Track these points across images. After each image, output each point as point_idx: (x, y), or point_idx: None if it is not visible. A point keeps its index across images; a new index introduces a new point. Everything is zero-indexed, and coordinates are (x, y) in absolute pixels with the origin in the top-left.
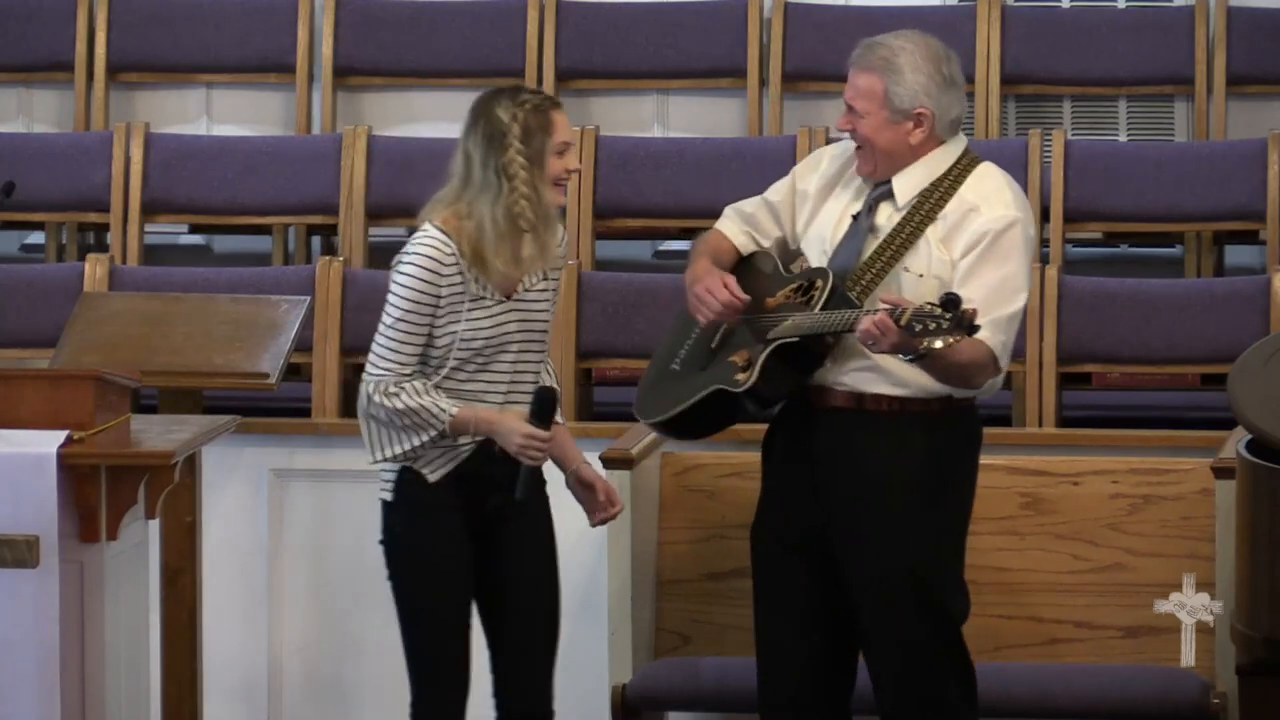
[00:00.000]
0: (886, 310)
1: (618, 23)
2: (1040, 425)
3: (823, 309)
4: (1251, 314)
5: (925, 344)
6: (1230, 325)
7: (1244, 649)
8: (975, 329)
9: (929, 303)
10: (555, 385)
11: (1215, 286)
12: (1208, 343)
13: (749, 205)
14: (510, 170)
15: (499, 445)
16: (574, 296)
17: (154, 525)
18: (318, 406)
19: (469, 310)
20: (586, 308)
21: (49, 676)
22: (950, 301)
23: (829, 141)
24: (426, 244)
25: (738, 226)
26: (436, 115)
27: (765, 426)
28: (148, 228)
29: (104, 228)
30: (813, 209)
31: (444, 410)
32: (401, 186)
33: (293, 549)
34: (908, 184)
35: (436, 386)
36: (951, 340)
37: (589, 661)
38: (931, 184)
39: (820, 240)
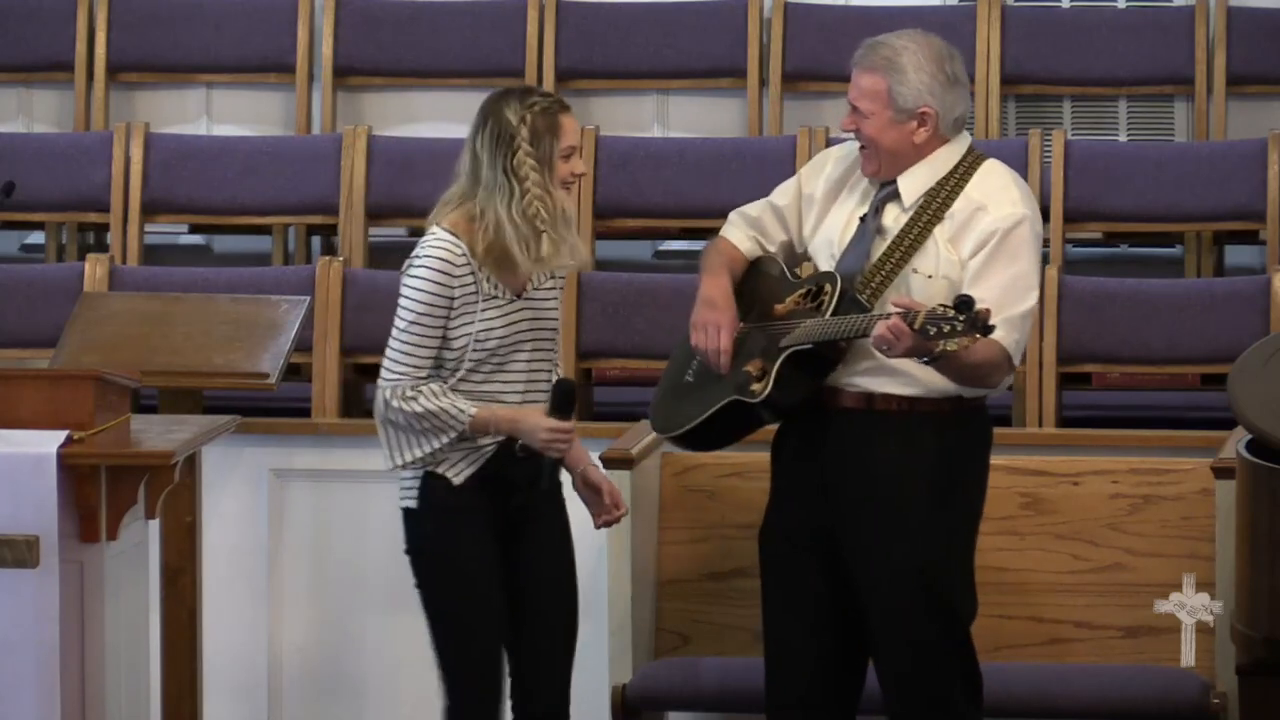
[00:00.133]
0: (899, 314)
1: (618, 23)
2: (1040, 425)
3: (833, 314)
4: (1251, 314)
5: (940, 347)
6: (1230, 325)
7: (1244, 649)
8: (990, 329)
9: (942, 305)
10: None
11: (1215, 286)
12: (1208, 343)
13: (754, 209)
14: (521, 171)
15: (519, 444)
16: (574, 296)
17: (154, 525)
18: (318, 406)
19: (482, 310)
20: (586, 308)
21: (49, 676)
22: (964, 304)
23: (829, 142)
24: (437, 246)
25: (744, 233)
26: (436, 115)
27: (771, 426)
28: (148, 228)
29: (104, 228)
30: (820, 213)
31: (463, 411)
32: (401, 186)
33: (293, 549)
34: (913, 184)
35: (453, 389)
36: (966, 342)
37: (589, 661)
38: (937, 183)
39: (829, 244)
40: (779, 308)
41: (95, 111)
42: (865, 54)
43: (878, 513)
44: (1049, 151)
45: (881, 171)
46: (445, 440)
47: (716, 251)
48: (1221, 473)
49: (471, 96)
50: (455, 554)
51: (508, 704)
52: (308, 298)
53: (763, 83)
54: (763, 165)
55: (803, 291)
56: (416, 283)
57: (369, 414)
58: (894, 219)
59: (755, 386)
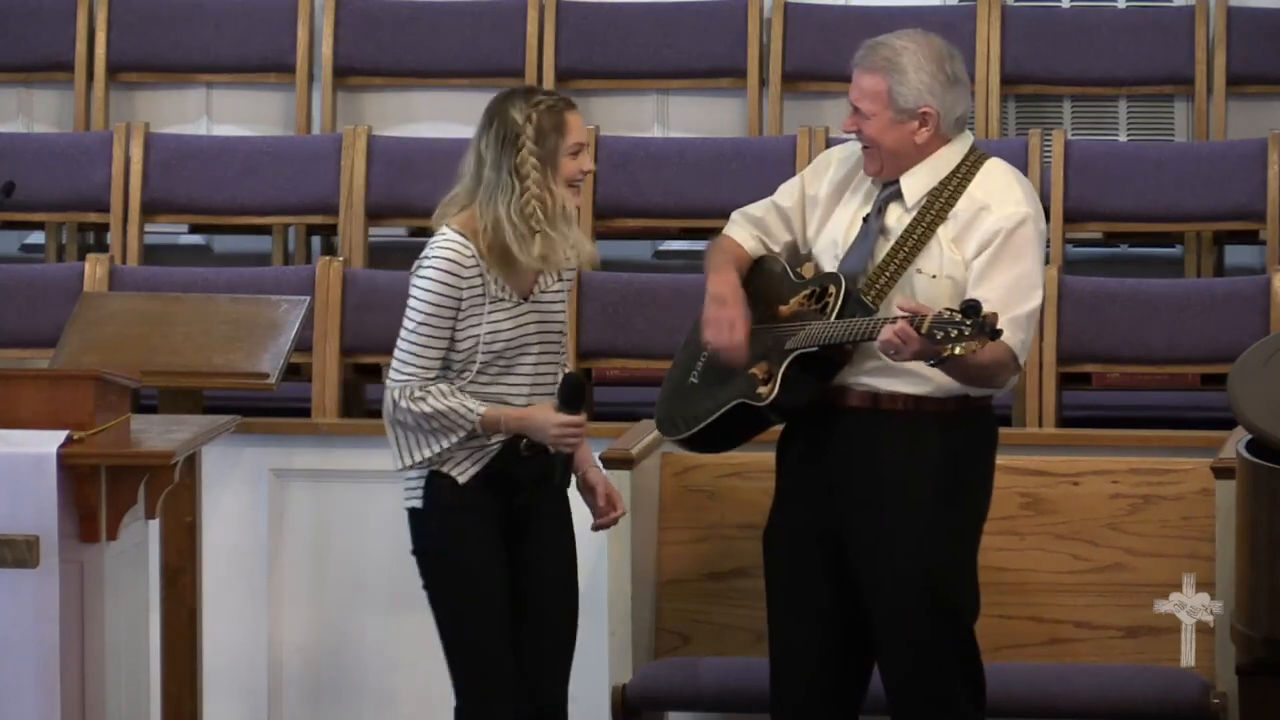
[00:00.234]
0: (906, 319)
1: (618, 23)
2: (1040, 425)
3: (838, 316)
4: (1251, 314)
5: (947, 351)
6: (1230, 325)
7: (1244, 649)
8: (998, 334)
9: (948, 309)
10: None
11: (1215, 286)
12: (1208, 343)
13: (758, 210)
14: (523, 170)
15: (525, 442)
16: (574, 296)
17: (154, 525)
18: (318, 406)
19: (490, 312)
20: (586, 308)
21: (49, 676)
22: (971, 308)
23: (829, 142)
24: (446, 247)
25: (748, 232)
26: (436, 115)
27: (775, 426)
28: (148, 228)
29: (104, 228)
30: (823, 214)
31: (472, 410)
32: (401, 186)
33: (293, 549)
34: (916, 184)
35: (461, 390)
36: (974, 346)
37: (589, 661)
38: (940, 183)
39: (833, 245)
40: (783, 309)
41: (95, 111)
42: (865, 55)
43: (883, 513)
44: (1049, 151)
45: (884, 171)
46: (454, 439)
47: (721, 249)
48: (1221, 473)
49: (471, 96)
50: (461, 554)
51: None
52: (308, 298)
53: (763, 83)
54: (763, 165)
55: (807, 293)
56: (425, 283)
57: (369, 414)
58: (897, 219)
59: (762, 390)
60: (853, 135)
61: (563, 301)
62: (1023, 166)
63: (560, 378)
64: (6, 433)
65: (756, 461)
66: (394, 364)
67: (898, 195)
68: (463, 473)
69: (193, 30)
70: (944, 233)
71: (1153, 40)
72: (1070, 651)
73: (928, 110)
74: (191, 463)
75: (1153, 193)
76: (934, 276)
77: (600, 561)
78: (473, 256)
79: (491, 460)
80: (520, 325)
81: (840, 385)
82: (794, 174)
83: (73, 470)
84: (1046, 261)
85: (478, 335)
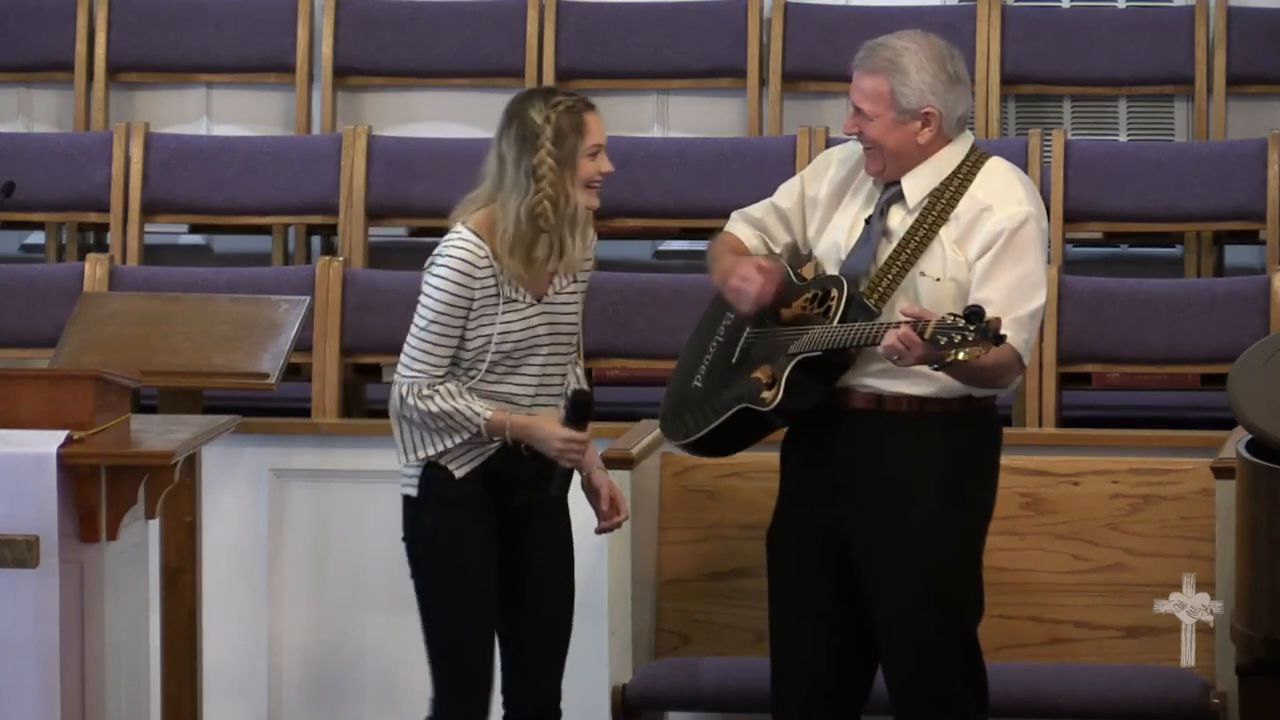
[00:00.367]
0: (909, 324)
1: (618, 23)
2: (1040, 425)
3: (841, 320)
4: (1251, 314)
5: (951, 356)
6: (1230, 325)
7: (1244, 649)
8: (1001, 339)
9: (952, 314)
10: (584, 387)
11: (1215, 286)
12: (1208, 343)
13: (757, 211)
14: (539, 171)
15: (525, 445)
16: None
17: (154, 525)
18: (318, 406)
19: (502, 313)
20: (587, 308)
21: (49, 676)
22: (975, 313)
23: (829, 142)
24: (460, 246)
25: (750, 230)
26: (436, 115)
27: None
28: (148, 228)
29: (104, 228)
30: (824, 216)
31: (478, 414)
32: (401, 186)
33: (293, 549)
34: (917, 185)
35: (468, 388)
36: (979, 352)
37: (589, 661)
38: (941, 184)
39: (835, 248)
40: (785, 312)
41: (95, 111)
42: (866, 56)
43: (887, 513)
44: (1049, 151)
45: (886, 172)
46: (459, 440)
47: (723, 244)
48: (1221, 473)
49: (471, 96)
50: (450, 545)
51: (496, 699)
52: (308, 298)
53: (763, 83)
54: (763, 165)
55: (809, 296)
56: (437, 281)
57: (369, 414)
58: (899, 221)
59: (766, 395)
60: (854, 136)
61: (575, 303)
62: (1023, 166)
63: (570, 391)
64: (6, 433)
65: (756, 461)
66: (403, 359)
67: (899, 197)
68: (460, 467)
69: (193, 30)
70: (946, 234)
71: (1153, 40)
72: (1070, 651)
73: (930, 110)
74: (191, 463)
75: (1153, 193)
76: (938, 279)
77: (600, 561)
78: (486, 257)
79: (491, 457)
80: (530, 327)
81: (844, 387)
82: (794, 174)
83: (73, 470)
84: (1047, 261)
85: (489, 335)
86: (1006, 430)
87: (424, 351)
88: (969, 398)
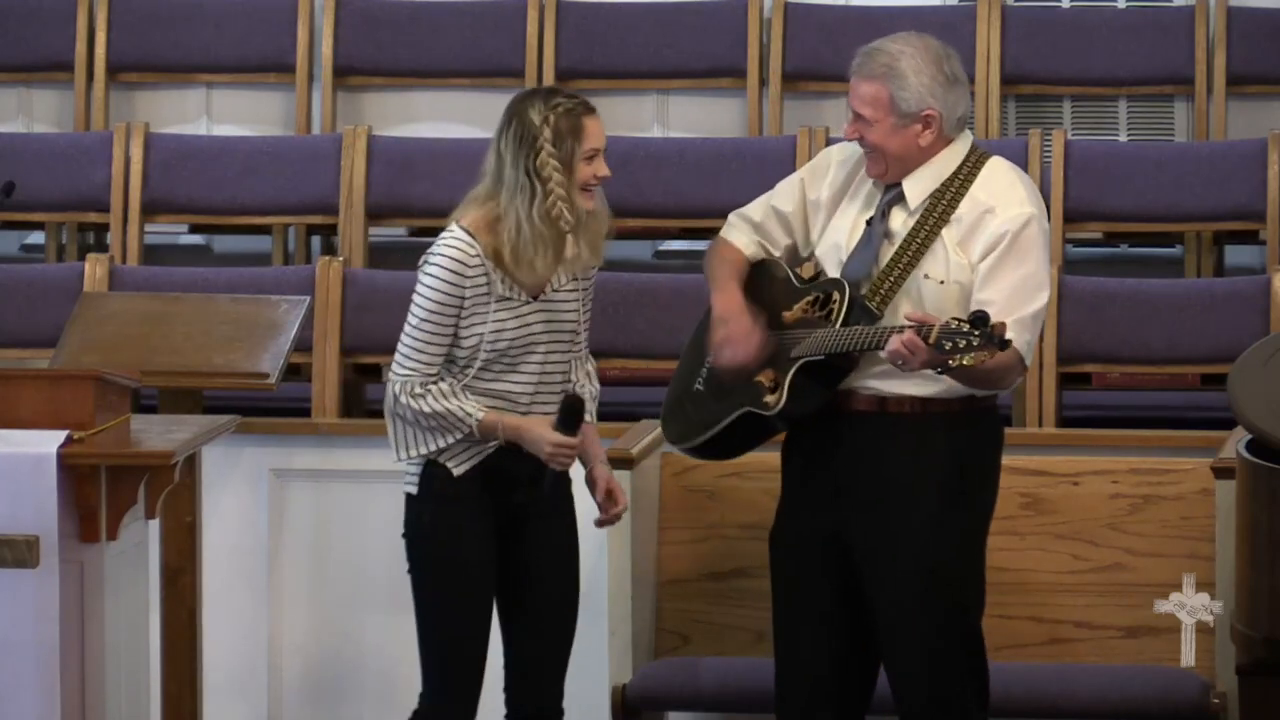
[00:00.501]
0: (914, 328)
1: (618, 23)
2: (1040, 425)
3: (843, 324)
4: (1251, 314)
5: (956, 361)
6: (1230, 325)
7: (1244, 649)
8: (1006, 344)
9: (956, 319)
10: (596, 386)
11: (1215, 286)
12: (1208, 343)
13: (756, 213)
14: (545, 173)
15: (527, 449)
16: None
17: (154, 525)
18: (318, 406)
19: (495, 311)
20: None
21: (49, 676)
22: (979, 318)
23: (829, 141)
24: (451, 245)
25: (747, 236)
26: (436, 115)
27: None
28: (148, 228)
29: (104, 228)
30: (825, 218)
31: (470, 415)
32: (401, 186)
33: (293, 549)
34: (918, 186)
35: (464, 387)
36: (984, 357)
37: (589, 661)
38: (942, 185)
39: (836, 249)
40: (787, 315)
41: (95, 111)
42: (863, 62)
43: (889, 515)
44: (1049, 151)
45: (888, 174)
46: (451, 439)
47: (720, 259)
48: (1221, 473)
49: (471, 96)
50: (449, 542)
51: (486, 699)
52: (308, 298)
53: (763, 83)
54: (763, 165)
55: (810, 299)
56: (429, 280)
57: (369, 414)
58: (900, 223)
59: (769, 399)
60: (854, 141)
61: (575, 300)
62: (1023, 166)
63: (565, 393)
64: (6, 433)
65: (756, 461)
66: (397, 358)
67: (900, 198)
68: (459, 465)
69: (193, 30)
70: (949, 236)
71: (1153, 40)
72: (1070, 651)
73: (930, 113)
74: (191, 463)
75: (1153, 193)
76: (941, 282)
77: (600, 561)
78: (477, 255)
79: (489, 455)
80: (527, 325)
81: (846, 389)
82: (794, 174)
83: (73, 470)
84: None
85: (481, 334)
86: (1007, 430)
87: (417, 350)
88: (971, 398)
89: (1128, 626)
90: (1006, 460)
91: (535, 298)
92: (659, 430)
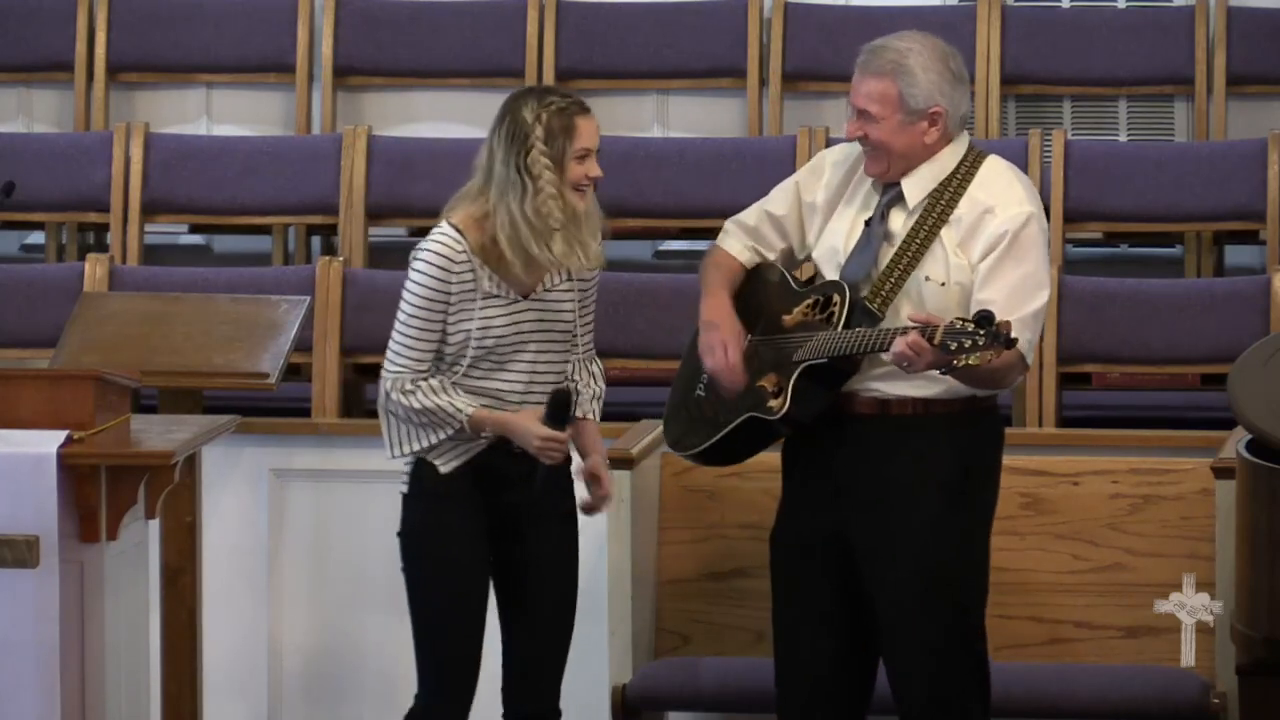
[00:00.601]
0: (918, 330)
1: (618, 23)
2: (1040, 425)
3: (845, 326)
4: (1251, 314)
5: (961, 361)
6: (1230, 325)
7: (1244, 649)
8: (1012, 343)
9: (960, 319)
10: (601, 386)
11: (1215, 286)
12: (1208, 343)
13: (750, 218)
14: (535, 170)
15: (516, 444)
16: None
17: (154, 525)
18: (318, 406)
19: (481, 308)
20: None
21: (49, 676)
22: (984, 318)
23: (829, 142)
24: (438, 240)
25: (741, 243)
26: (436, 115)
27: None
28: (148, 228)
29: (104, 228)
30: (822, 221)
31: (460, 410)
32: (401, 186)
33: (293, 549)
34: (917, 186)
35: (454, 384)
36: (990, 356)
37: (589, 661)
38: (940, 184)
39: (834, 253)
40: (787, 319)
41: (95, 111)
42: (869, 59)
43: (890, 515)
44: (1049, 151)
45: (890, 172)
46: (443, 435)
47: (714, 266)
48: (1221, 473)
49: (471, 96)
50: (437, 539)
51: (485, 699)
52: (308, 298)
53: (763, 83)
54: (763, 165)
55: (810, 302)
56: (416, 276)
57: (369, 414)
58: (901, 223)
59: (773, 403)
60: (857, 140)
61: (570, 300)
62: (1023, 166)
63: (553, 389)
64: (6, 433)
65: (756, 461)
66: (388, 354)
67: (900, 199)
68: (446, 463)
69: (193, 30)
70: (948, 237)
71: (1153, 40)
72: (1070, 651)
73: (938, 110)
74: (191, 463)
75: (1153, 193)
76: (942, 284)
77: (600, 561)
78: (464, 252)
79: (479, 454)
80: (516, 323)
81: (848, 392)
82: (794, 174)
83: (73, 470)
84: (1048, 260)
85: (468, 330)
86: (1007, 430)
87: (406, 346)
88: (973, 398)
89: (1128, 626)
90: (1006, 460)
91: (526, 296)
92: (659, 430)
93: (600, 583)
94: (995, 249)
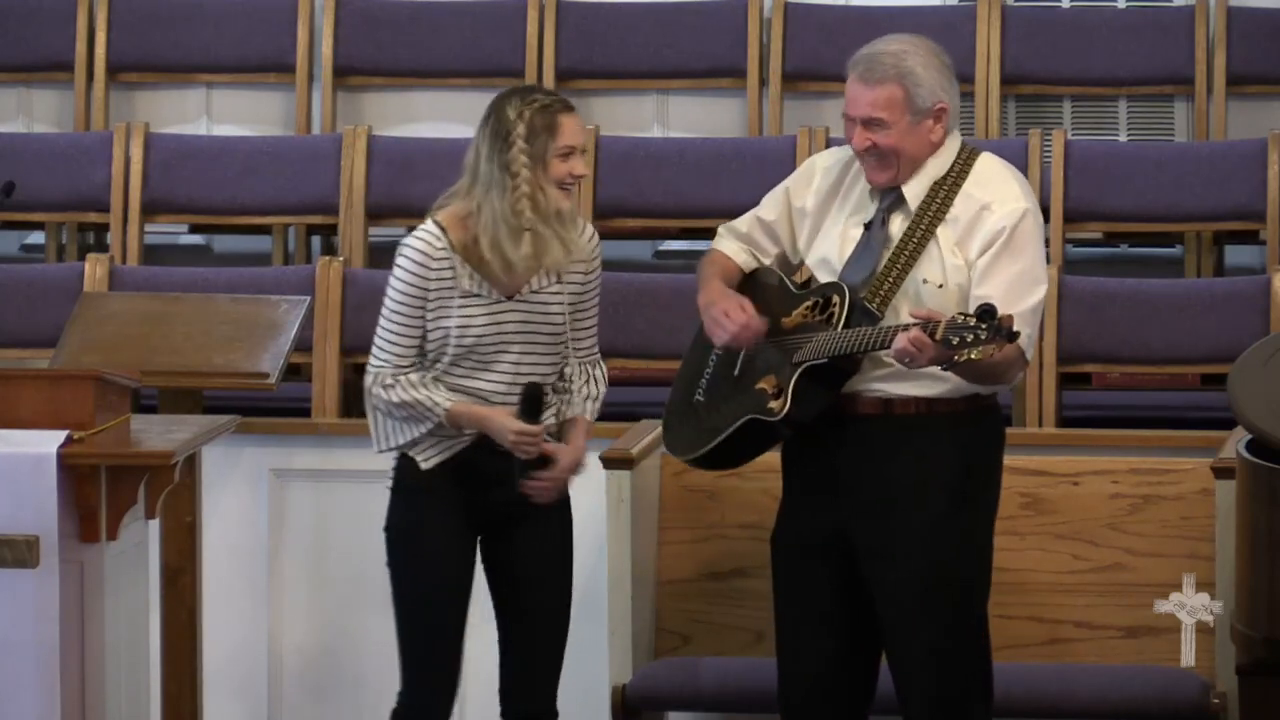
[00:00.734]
0: (919, 326)
1: (618, 23)
2: (1040, 425)
3: (845, 326)
4: (1251, 314)
5: (963, 356)
6: (1230, 325)
7: (1244, 649)
8: (1014, 336)
9: (962, 314)
10: (602, 388)
11: (1215, 286)
12: (1208, 343)
13: (742, 225)
14: (513, 168)
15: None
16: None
17: (154, 525)
18: (318, 406)
19: (460, 306)
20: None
21: (49, 676)
22: (986, 312)
23: (829, 142)
24: (418, 237)
25: (736, 245)
26: (436, 115)
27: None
28: (148, 228)
29: (104, 228)
30: (813, 226)
31: (438, 404)
32: (401, 186)
33: (293, 549)
34: (917, 187)
35: (435, 379)
36: (991, 350)
37: (589, 661)
38: (935, 183)
39: (826, 263)
40: (787, 321)
41: (95, 111)
42: (868, 69)
43: (893, 516)
44: (1049, 151)
45: (898, 177)
46: (424, 429)
47: (710, 263)
48: (1221, 473)
49: (471, 96)
50: (417, 535)
51: (483, 700)
52: (308, 298)
53: (763, 83)
54: (763, 165)
55: (810, 303)
56: (396, 272)
57: None
58: (899, 226)
59: (774, 405)
60: (866, 148)
61: (559, 303)
62: (1023, 166)
63: (526, 384)
64: (6, 433)
65: (756, 461)
66: (372, 350)
67: (900, 202)
68: (426, 459)
69: (193, 30)
70: (944, 236)
71: (1153, 40)
72: (1070, 651)
73: (943, 105)
74: (191, 463)
75: (1153, 193)
76: (940, 285)
77: (600, 561)
78: (444, 249)
79: (461, 450)
80: (498, 324)
81: (850, 392)
82: (794, 174)
83: (73, 470)
84: (1047, 261)
85: (447, 328)
86: (1007, 430)
87: (388, 341)
88: (975, 396)
89: (1128, 626)
90: (1007, 460)
91: (510, 297)
92: (659, 430)
93: (600, 583)
94: (993, 245)
